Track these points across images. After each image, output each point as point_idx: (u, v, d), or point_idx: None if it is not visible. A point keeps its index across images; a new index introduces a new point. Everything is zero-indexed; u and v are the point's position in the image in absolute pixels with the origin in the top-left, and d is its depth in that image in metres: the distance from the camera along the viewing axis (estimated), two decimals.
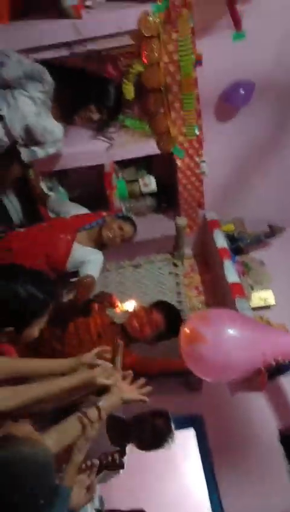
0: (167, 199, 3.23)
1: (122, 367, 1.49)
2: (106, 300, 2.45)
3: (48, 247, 2.22)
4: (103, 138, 2.79)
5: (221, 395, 2.43)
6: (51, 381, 1.41)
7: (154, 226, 3.21)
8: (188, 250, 3.43)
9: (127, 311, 2.40)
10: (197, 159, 2.91)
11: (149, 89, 2.55)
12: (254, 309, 2.89)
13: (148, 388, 1.45)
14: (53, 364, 1.52)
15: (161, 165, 3.08)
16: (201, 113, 2.80)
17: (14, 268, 1.49)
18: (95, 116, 2.17)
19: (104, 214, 2.53)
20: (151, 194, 3.19)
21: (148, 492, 2.62)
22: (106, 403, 1.40)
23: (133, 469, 2.27)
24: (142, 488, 2.52)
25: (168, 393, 2.31)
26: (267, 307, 3.01)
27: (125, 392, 1.43)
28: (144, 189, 3.09)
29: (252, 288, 3.09)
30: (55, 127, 2.15)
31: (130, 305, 2.39)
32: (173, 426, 2.02)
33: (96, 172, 2.90)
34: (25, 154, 2.12)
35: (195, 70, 2.58)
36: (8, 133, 2.02)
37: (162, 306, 2.41)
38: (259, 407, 2.46)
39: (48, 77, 2.01)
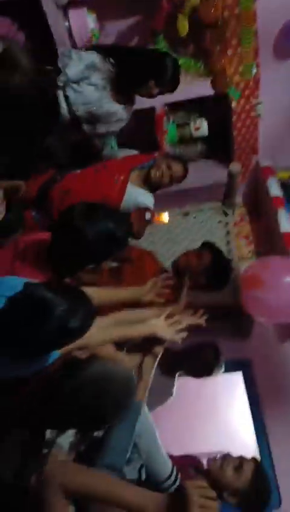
0: (219, 144, 3.12)
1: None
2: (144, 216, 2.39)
3: (104, 187, 2.24)
4: None
5: (270, 341, 2.44)
6: (126, 329, 1.55)
7: (205, 173, 3.14)
8: (238, 199, 3.34)
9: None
10: (253, 101, 2.78)
11: (205, 24, 2.41)
12: None
13: (184, 334, 1.64)
14: (122, 294, 1.69)
15: (213, 108, 2.96)
16: (259, 50, 2.63)
17: (92, 205, 1.55)
18: (155, 91, 2.20)
19: (156, 155, 2.49)
20: (203, 139, 3.10)
21: (193, 432, 2.73)
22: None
23: (180, 407, 2.37)
24: (187, 427, 2.62)
25: (218, 337, 2.35)
26: None
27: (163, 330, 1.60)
28: (195, 134, 2.99)
29: None
30: (118, 108, 2.25)
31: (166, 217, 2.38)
32: (221, 354, 2.08)
33: (147, 116, 2.83)
34: (87, 128, 2.26)
35: (255, 3, 2.40)
36: (70, 111, 2.18)
37: (211, 246, 2.36)
38: None
39: (106, 65, 2.15)
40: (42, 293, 1.13)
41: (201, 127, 2.97)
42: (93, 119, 2.24)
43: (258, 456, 2.28)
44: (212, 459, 1.61)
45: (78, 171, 2.32)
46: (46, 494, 1.06)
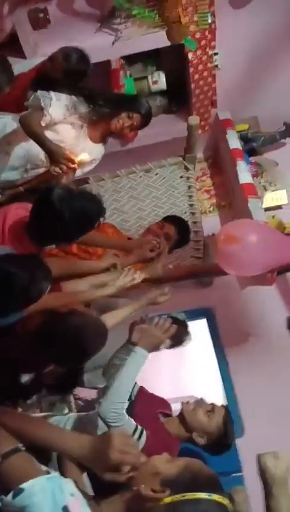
0: (177, 98, 3.11)
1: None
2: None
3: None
4: (107, 31, 2.63)
5: (231, 289, 2.57)
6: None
7: (165, 128, 3.14)
8: (199, 153, 3.38)
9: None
10: (209, 52, 2.76)
11: None
12: (267, 209, 2.91)
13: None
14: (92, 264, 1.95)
15: (171, 60, 2.93)
16: None
17: (67, 189, 1.75)
18: (127, 123, 2.26)
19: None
20: (162, 93, 3.07)
21: (162, 378, 2.87)
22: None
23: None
24: (156, 374, 2.75)
25: (182, 289, 2.47)
26: (279, 207, 3.03)
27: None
28: (154, 87, 2.97)
29: (265, 189, 3.09)
30: (93, 148, 2.32)
31: (84, 156, 2.45)
32: (188, 328, 2.22)
33: (102, 70, 2.78)
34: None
35: None
36: None
37: (171, 218, 2.68)
38: (268, 299, 2.61)
39: (82, 106, 2.22)
40: (4, 265, 1.34)
41: (159, 80, 2.94)
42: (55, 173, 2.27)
43: (223, 391, 2.47)
44: (185, 402, 1.74)
45: None
46: None
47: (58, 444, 1.17)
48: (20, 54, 2.64)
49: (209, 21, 2.63)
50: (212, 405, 1.74)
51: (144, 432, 1.59)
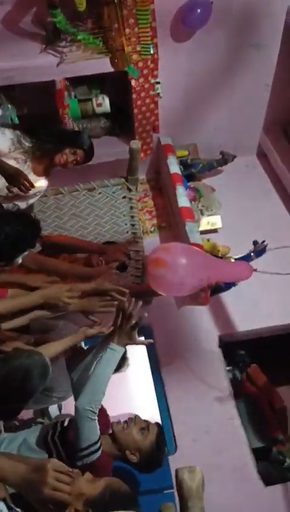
0: (121, 121, 3.21)
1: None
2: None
3: None
4: (53, 52, 2.69)
5: (169, 308, 2.65)
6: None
7: (108, 149, 3.21)
8: (142, 175, 3.49)
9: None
10: (151, 80, 2.89)
11: (102, 1, 2.44)
12: (202, 232, 3.06)
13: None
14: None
15: (115, 85, 3.02)
16: (157, 31, 2.73)
17: (6, 213, 1.83)
18: (70, 158, 2.34)
19: None
20: (106, 116, 3.15)
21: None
22: None
23: None
24: None
25: None
26: (214, 231, 3.19)
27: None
28: (98, 110, 3.04)
29: (202, 213, 3.24)
30: (36, 181, 2.36)
31: (42, 183, 2.50)
32: (126, 354, 2.28)
33: (47, 90, 2.82)
34: (7, 205, 2.33)
35: None
36: None
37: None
38: (202, 318, 2.72)
39: (26, 140, 2.25)
40: None
41: (103, 103, 3.02)
42: (12, 194, 2.31)
43: (158, 409, 2.53)
44: (115, 422, 1.77)
45: None
46: None
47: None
48: None
49: (152, 52, 2.76)
50: (147, 422, 1.78)
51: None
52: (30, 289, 1.82)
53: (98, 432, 1.62)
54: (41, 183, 2.37)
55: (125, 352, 2.29)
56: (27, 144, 2.23)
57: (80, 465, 1.56)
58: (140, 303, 1.71)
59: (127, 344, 1.72)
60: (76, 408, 1.61)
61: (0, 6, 2.58)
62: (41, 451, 1.71)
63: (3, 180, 2.20)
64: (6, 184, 2.21)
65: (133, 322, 1.69)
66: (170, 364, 2.62)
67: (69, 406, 2.63)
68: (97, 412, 1.60)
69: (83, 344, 2.52)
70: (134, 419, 1.78)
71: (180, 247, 1.94)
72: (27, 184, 2.12)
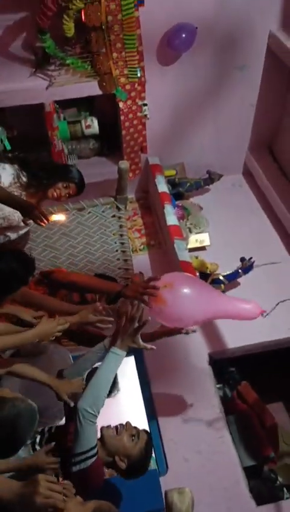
0: (109, 143, 3.26)
1: None
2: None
3: None
4: (42, 76, 2.75)
5: (158, 326, 2.65)
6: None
7: (97, 170, 3.26)
8: (131, 194, 3.53)
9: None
10: (139, 102, 2.96)
11: (90, 27, 2.52)
12: (191, 250, 3.10)
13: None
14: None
15: (103, 107, 3.09)
16: (143, 55, 2.81)
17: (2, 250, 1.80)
18: (64, 191, 2.38)
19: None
20: (95, 137, 3.21)
21: None
22: None
23: None
24: None
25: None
26: (203, 248, 3.23)
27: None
28: (87, 131, 3.10)
29: (190, 231, 3.28)
30: (54, 216, 2.48)
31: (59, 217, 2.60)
32: (117, 380, 2.28)
33: (37, 112, 2.87)
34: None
35: (137, 10, 2.57)
36: None
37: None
38: (191, 336, 2.69)
39: (23, 176, 2.24)
40: None
41: (92, 125, 3.08)
42: (7, 224, 2.35)
43: (148, 428, 2.50)
44: (105, 427, 1.75)
45: None
46: None
47: None
48: None
49: (139, 75, 2.83)
50: (137, 429, 1.77)
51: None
52: (20, 321, 1.82)
53: (96, 436, 1.62)
54: (60, 217, 2.37)
55: (115, 377, 2.30)
56: (24, 180, 2.25)
57: (76, 471, 1.55)
58: (143, 306, 1.72)
59: (129, 347, 1.71)
60: (77, 410, 1.58)
61: None
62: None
63: (19, 213, 2.21)
64: (22, 217, 2.21)
65: (137, 325, 1.68)
66: (160, 382, 2.61)
67: None
68: (98, 416, 1.58)
69: None
70: (125, 426, 1.77)
71: (183, 283, 1.89)
72: (41, 217, 2.12)
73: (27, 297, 2.04)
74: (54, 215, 2.18)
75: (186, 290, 1.85)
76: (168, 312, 1.82)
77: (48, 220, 2.13)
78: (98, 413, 1.59)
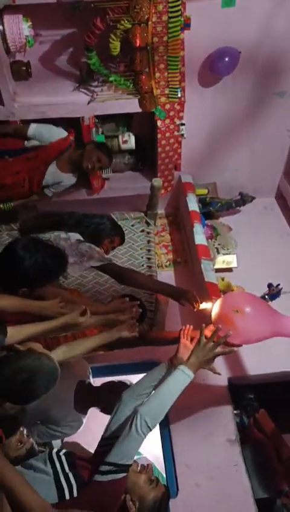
0: (144, 159, 3.30)
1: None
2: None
3: (29, 174, 2.80)
4: (85, 91, 2.82)
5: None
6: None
7: (130, 184, 3.31)
8: (161, 210, 3.56)
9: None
10: (177, 122, 2.99)
11: (135, 47, 2.57)
12: (217, 270, 3.08)
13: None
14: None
15: (141, 124, 3.14)
16: (185, 76, 2.85)
17: (36, 241, 1.86)
18: (110, 247, 2.53)
19: (72, 134, 2.88)
20: (130, 152, 3.26)
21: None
22: None
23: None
24: (99, 424, 2.73)
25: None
26: (229, 270, 3.20)
27: None
28: (123, 146, 3.15)
29: (218, 252, 3.27)
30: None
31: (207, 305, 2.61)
32: None
33: (75, 125, 2.93)
34: None
35: (183, 33, 2.61)
36: None
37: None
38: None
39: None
40: None
41: (129, 140, 3.12)
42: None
43: (161, 448, 2.49)
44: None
45: (11, 159, 2.76)
46: None
47: (15, 492, 1.25)
48: None
49: (179, 95, 2.87)
50: (157, 478, 1.71)
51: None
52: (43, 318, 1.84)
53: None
54: (207, 305, 2.37)
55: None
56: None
57: (99, 481, 1.51)
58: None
59: (200, 368, 1.68)
60: (136, 415, 1.53)
61: (39, 45, 2.74)
62: (46, 468, 1.67)
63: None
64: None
65: (221, 351, 1.69)
66: (177, 404, 2.58)
67: (70, 438, 2.62)
68: (149, 433, 1.54)
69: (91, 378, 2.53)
70: (146, 467, 1.71)
71: (251, 307, 1.92)
72: (197, 299, 2.16)
73: (55, 295, 2.05)
74: (203, 303, 2.20)
75: (254, 314, 1.89)
76: (236, 334, 1.84)
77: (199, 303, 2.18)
78: (151, 430, 1.55)
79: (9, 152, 2.83)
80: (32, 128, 2.82)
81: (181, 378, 1.63)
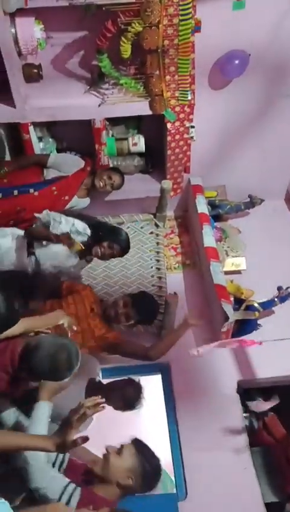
0: (154, 161, 3.31)
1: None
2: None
3: (51, 205, 2.78)
4: (95, 93, 2.83)
5: (188, 347, 2.64)
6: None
7: (139, 186, 3.31)
8: (170, 212, 3.56)
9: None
10: (187, 124, 2.99)
11: (146, 50, 2.58)
12: (226, 273, 3.07)
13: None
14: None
15: (151, 127, 3.14)
16: (195, 79, 2.85)
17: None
18: (108, 251, 2.55)
19: (89, 164, 3.01)
20: (140, 154, 3.26)
21: (113, 426, 2.84)
22: None
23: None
24: (108, 422, 2.73)
25: (142, 342, 2.53)
26: (238, 272, 3.20)
27: None
28: (133, 149, 3.16)
29: (227, 254, 3.26)
30: (78, 263, 2.68)
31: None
32: (143, 393, 2.31)
33: (85, 127, 2.95)
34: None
35: (193, 36, 2.62)
36: (37, 264, 2.57)
37: (136, 301, 2.56)
38: (222, 361, 2.69)
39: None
40: None
41: (138, 143, 3.13)
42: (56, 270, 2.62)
43: (170, 450, 2.49)
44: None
45: (36, 193, 2.80)
46: None
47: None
48: (9, 101, 2.79)
49: (189, 98, 2.87)
50: (120, 445, 1.78)
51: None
52: None
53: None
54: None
55: (141, 391, 2.29)
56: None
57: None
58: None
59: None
60: None
61: (50, 47, 2.76)
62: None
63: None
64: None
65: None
66: (186, 406, 2.59)
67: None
68: None
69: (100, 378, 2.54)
70: (107, 449, 1.77)
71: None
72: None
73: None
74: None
75: None
76: None
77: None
78: None
79: (34, 186, 2.85)
80: (52, 158, 2.91)
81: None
